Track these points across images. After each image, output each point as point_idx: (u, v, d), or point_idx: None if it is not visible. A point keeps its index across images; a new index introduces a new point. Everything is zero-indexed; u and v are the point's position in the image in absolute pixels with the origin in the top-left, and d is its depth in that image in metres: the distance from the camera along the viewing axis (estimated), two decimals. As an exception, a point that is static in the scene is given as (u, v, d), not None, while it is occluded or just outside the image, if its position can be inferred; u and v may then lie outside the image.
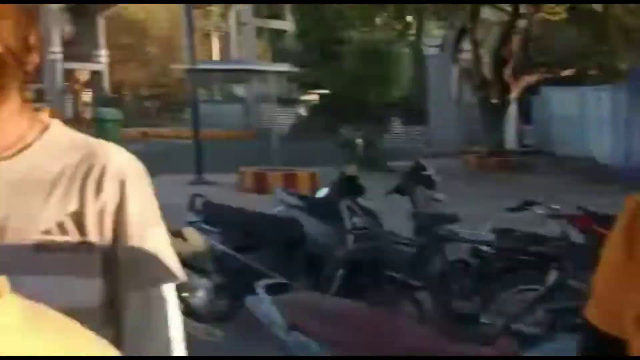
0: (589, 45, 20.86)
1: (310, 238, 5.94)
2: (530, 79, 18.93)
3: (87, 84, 30.17)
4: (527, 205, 5.37)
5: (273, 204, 6.91)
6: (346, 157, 8.25)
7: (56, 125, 1.41)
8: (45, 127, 1.38)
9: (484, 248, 5.23)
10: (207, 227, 5.69)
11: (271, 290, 3.04)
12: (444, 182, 12.16)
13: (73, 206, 1.32)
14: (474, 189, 13.92)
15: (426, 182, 6.71)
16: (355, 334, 2.78)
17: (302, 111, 21.25)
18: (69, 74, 29.27)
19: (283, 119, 26.12)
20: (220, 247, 5.66)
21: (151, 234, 1.39)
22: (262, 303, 2.97)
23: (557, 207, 5.29)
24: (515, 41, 18.24)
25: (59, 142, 1.37)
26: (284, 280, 3.56)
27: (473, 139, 23.11)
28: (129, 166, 1.38)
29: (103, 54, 30.91)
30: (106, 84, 31.48)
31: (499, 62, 18.17)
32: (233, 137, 23.07)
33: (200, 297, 5.12)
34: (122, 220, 1.35)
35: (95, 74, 30.85)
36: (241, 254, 5.75)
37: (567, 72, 19.24)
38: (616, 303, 0.96)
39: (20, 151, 1.34)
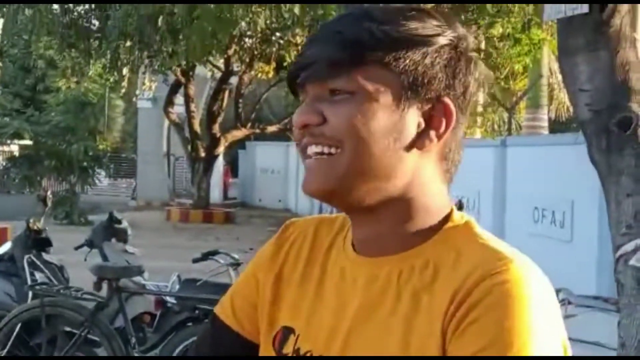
0: (295, 104, 22.11)
1: (-14, 296, 5.57)
2: (238, 134, 19.55)
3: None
4: (209, 255, 5.51)
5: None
6: (40, 210, 7.88)
7: None
8: None
9: (169, 299, 5.25)
10: None
11: None
12: (145, 235, 12.16)
13: None
14: (172, 241, 13.98)
15: (119, 235, 6.63)
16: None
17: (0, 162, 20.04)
18: None
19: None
20: None
21: None
22: None
23: (237, 256, 5.50)
24: (226, 97, 18.80)
25: None
26: None
27: (180, 192, 23.31)
28: None
29: None
30: None
31: (210, 117, 18.59)
32: None
33: None
34: None
35: None
36: None
37: (272, 128, 20.18)
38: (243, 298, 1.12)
39: None
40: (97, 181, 18.98)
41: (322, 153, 0.95)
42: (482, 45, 12.07)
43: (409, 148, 0.96)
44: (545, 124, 14.97)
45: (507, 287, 0.87)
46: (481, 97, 17.95)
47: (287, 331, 1.04)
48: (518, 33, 10.65)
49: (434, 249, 0.97)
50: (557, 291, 4.84)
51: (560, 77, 17.66)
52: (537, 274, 0.91)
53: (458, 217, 1.00)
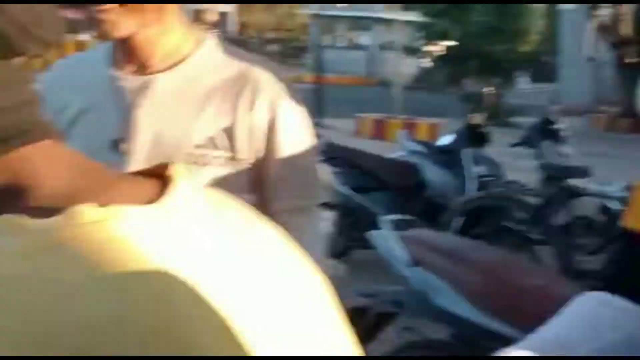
0: None
1: (429, 184, 5.88)
2: (673, 39, 17.84)
3: (214, 25, 30.80)
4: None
5: (394, 149, 6.89)
6: (469, 108, 8.12)
7: (211, 40, 1.41)
8: (200, 42, 1.39)
9: (612, 205, 5.01)
10: (327, 167, 5.72)
11: (397, 226, 3.03)
12: (570, 140, 11.75)
13: (226, 122, 1.33)
14: (601, 149, 13.40)
15: (554, 136, 6.50)
16: (476, 272, 2.74)
17: (427, 61, 20.97)
18: (198, 14, 29.96)
19: (406, 68, 25.88)
20: (340, 187, 5.69)
21: (302, 153, 1.38)
22: (387, 238, 2.95)
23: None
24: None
25: (214, 57, 1.37)
26: (409, 217, 3.53)
27: (603, 99, 22.16)
28: (281, 87, 1.37)
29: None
30: (233, 25, 32.04)
31: (640, 21, 17.22)
32: (354, 84, 23.11)
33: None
34: (273, 138, 1.34)
35: (223, 15, 31.42)
36: (360, 195, 5.76)
37: None
38: None
39: (175, 64, 1.35)
40: (517, 84, 18.91)
41: None
42: None
43: None
44: None
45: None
46: None
47: None
48: None
49: None
50: None
51: None
52: None
53: None
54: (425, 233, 3.12)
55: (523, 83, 21.81)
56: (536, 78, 23.80)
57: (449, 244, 3.00)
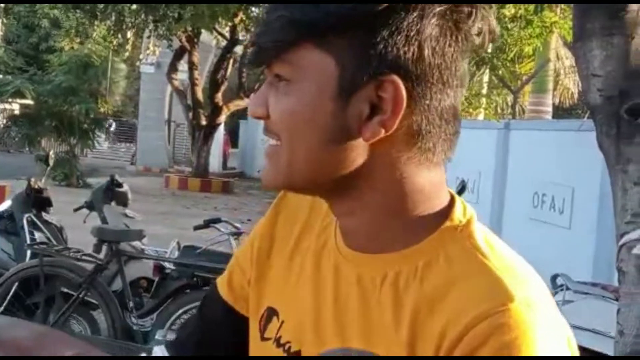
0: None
1: (-15, 253, 5.58)
2: (241, 103, 19.46)
3: None
4: (211, 223, 5.51)
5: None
6: (41, 170, 7.90)
7: None
8: None
9: (168, 265, 5.26)
10: None
11: None
12: (143, 200, 12.14)
13: None
14: (170, 208, 13.99)
15: (119, 198, 6.62)
16: (8, 352, 2.66)
17: (0, 120, 19.95)
18: None
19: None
20: None
21: None
22: None
23: (239, 225, 5.51)
24: (230, 66, 18.71)
25: None
26: None
27: (179, 159, 23.28)
28: None
29: None
30: None
31: (213, 86, 18.52)
32: None
33: None
34: None
35: None
36: None
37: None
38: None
39: None
40: (96, 144, 18.92)
41: (275, 144, 0.87)
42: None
43: (353, 138, 0.82)
44: (550, 109, 14.93)
45: (508, 337, 0.76)
46: (486, 77, 17.92)
47: (271, 312, 0.98)
48: (530, 15, 10.59)
49: (425, 254, 0.85)
50: (555, 277, 4.85)
51: (566, 62, 17.67)
52: (544, 313, 0.79)
53: (459, 214, 0.87)
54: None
55: (103, 143, 21.92)
56: (116, 138, 24.15)
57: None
